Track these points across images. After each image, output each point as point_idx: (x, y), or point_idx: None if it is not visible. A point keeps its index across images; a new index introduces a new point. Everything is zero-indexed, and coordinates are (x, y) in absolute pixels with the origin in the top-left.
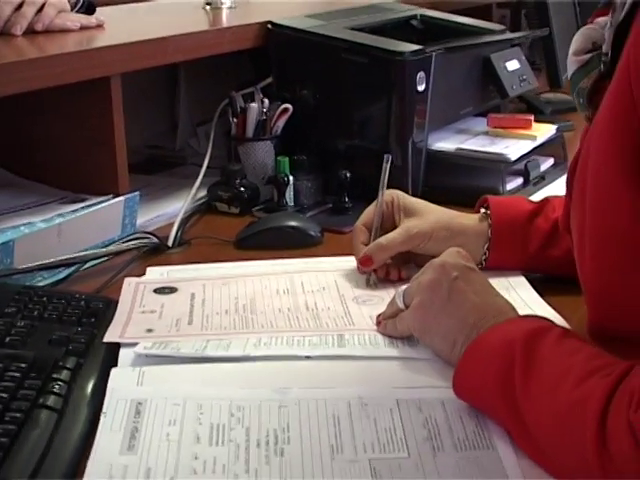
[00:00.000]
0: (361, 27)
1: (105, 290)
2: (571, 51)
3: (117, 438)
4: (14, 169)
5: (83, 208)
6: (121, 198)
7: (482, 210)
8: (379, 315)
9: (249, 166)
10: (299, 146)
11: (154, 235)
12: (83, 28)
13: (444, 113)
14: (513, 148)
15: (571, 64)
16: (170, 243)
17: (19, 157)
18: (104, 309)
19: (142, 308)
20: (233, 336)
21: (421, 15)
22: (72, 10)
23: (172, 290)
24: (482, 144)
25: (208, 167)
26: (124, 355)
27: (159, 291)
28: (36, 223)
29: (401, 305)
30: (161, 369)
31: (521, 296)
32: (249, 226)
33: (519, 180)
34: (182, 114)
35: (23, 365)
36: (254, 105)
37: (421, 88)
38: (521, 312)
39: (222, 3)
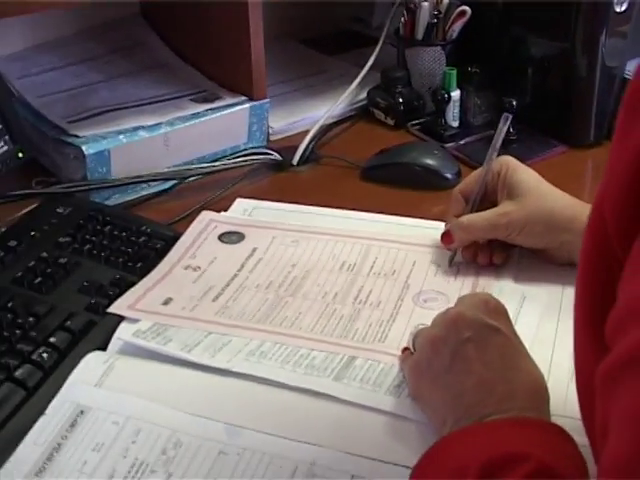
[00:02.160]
0: None
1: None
2: None
3: (33, 456)
4: (177, 48)
5: (198, 115)
6: (245, 106)
7: None
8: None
9: (415, 73)
10: (475, 56)
11: (275, 151)
12: None
13: None
14: None
15: None
16: (295, 161)
17: (182, 37)
18: (160, 251)
19: (191, 260)
20: (240, 332)
21: None
22: None
23: (238, 238)
24: None
25: None
26: (121, 332)
27: (224, 237)
28: (138, 131)
29: (411, 347)
30: (135, 364)
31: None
32: (379, 154)
33: None
34: None
35: (31, 318)
36: (426, 4)
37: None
38: None
39: None
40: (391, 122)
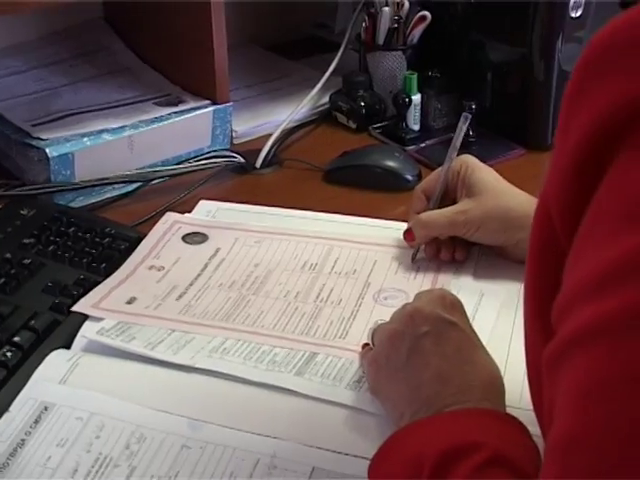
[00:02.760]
0: None
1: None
2: None
3: None
4: (141, 52)
5: (162, 118)
6: (209, 109)
7: None
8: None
9: (377, 78)
10: (436, 60)
11: (238, 154)
12: None
13: None
14: None
15: None
16: (259, 164)
17: (146, 41)
18: (124, 251)
19: (155, 260)
20: (204, 329)
21: None
22: None
23: (201, 239)
24: None
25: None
26: (85, 330)
27: (188, 238)
28: (102, 134)
29: (370, 343)
30: (99, 362)
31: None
32: (341, 157)
33: None
34: None
35: None
36: (386, 9)
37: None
38: None
39: None
40: (353, 126)
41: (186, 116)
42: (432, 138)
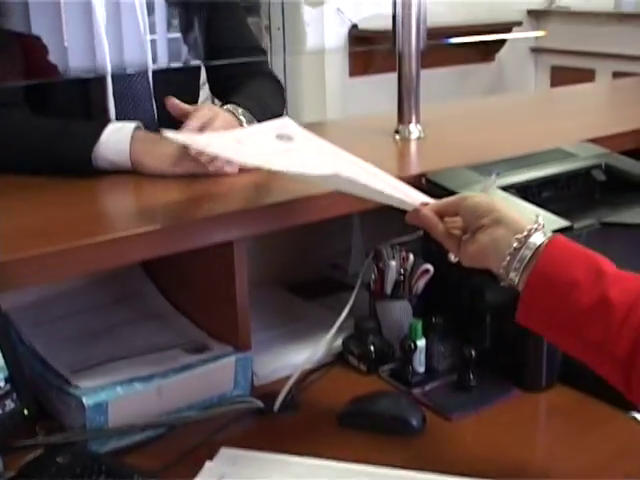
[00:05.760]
0: (524, 185)
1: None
2: None
3: None
4: (171, 296)
5: (189, 366)
6: (232, 358)
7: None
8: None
9: (386, 323)
10: (438, 307)
11: (258, 398)
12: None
13: None
14: None
15: None
16: (276, 407)
17: (176, 285)
18: None
19: None
20: None
21: (606, 164)
22: None
23: None
24: None
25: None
26: None
27: None
28: (134, 383)
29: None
30: None
31: None
32: (352, 402)
33: None
34: (355, 241)
35: None
36: (393, 263)
37: None
38: None
39: (410, 133)
40: (364, 368)
41: (211, 364)
42: (437, 379)
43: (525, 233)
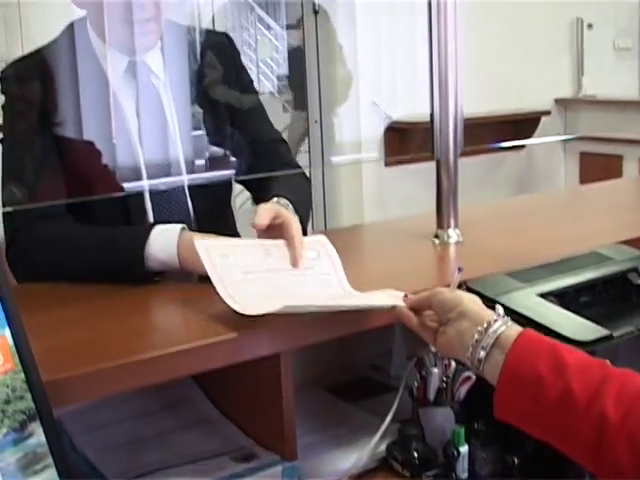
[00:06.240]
0: (562, 291)
1: None
2: None
3: None
4: (218, 402)
5: (237, 475)
6: (279, 467)
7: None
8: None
9: (429, 430)
10: (481, 413)
11: None
12: None
13: None
14: None
15: None
16: None
17: (224, 391)
18: None
19: None
20: None
21: None
22: None
23: None
24: None
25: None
26: None
27: None
28: None
29: None
30: None
31: None
32: None
33: None
34: (396, 341)
35: None
36: (436, 370)
37: None
38: None
39: (449, 237)
40: (407, 474)
41: (258, 474)
42: None
43: (485, 325)
